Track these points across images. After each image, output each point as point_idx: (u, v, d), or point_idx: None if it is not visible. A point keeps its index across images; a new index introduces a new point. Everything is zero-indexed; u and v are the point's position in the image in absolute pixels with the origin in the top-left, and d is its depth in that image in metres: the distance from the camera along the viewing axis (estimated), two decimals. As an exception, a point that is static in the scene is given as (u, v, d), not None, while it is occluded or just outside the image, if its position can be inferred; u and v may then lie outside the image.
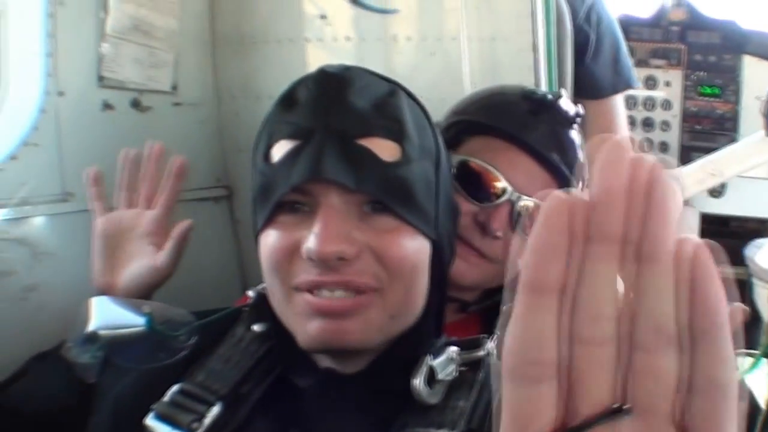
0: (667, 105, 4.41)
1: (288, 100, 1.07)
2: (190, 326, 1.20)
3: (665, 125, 4.41)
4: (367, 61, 1.96)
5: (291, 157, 1.01)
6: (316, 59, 2.05)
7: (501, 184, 1.46)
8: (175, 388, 1.11)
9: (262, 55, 2.09)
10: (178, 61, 1.97)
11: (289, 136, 1.03)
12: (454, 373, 1.07)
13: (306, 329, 1.02)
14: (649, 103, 4.40)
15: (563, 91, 1.54)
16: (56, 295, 1.63)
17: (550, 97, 1.53)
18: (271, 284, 1.06)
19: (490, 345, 1.11)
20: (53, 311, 1.61)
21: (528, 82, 1.77)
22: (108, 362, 1.20)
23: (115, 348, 1.19)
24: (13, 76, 1.59)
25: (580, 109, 1.55)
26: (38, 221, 1.61)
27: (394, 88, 1.09)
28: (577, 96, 2.01)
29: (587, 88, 2.26)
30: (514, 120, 1.49)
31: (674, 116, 4.41)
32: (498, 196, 1.46)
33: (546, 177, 1.49)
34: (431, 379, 1.05)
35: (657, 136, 4.41)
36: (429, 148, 1.10)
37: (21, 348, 1.45)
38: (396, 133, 1.04)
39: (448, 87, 1.84)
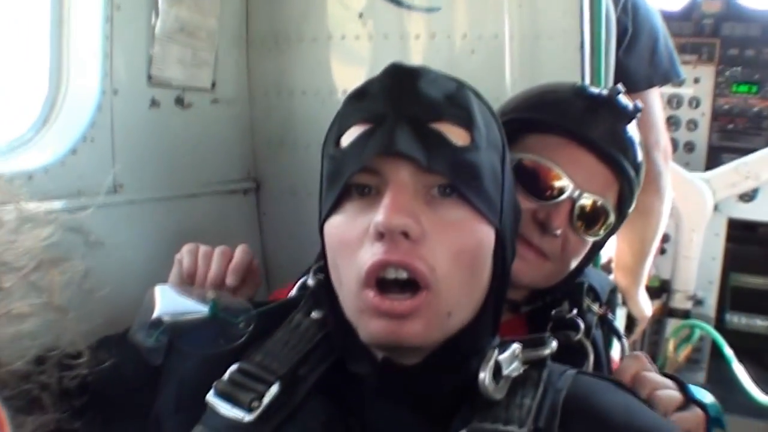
0: (695, 103, 4.60)
1: (359, 94, 1.19)
2: (249, 314, 1.38)
3: (692, 124, 4.59)
4: (404, 59, 2.19)
5: (363, 138, 1.11)
6: (352, 56, 2.29)
7: (562, 181, 1.54)
8: (234, 367, 1.23)
9: (297, 52, 2.34)
10: (217, 60, 2.22)
11: (361, 121, 1.13)
12: (519, 370, 1.17)
13: (368, 327, 1.11)
14: (675, 101, 4.60)
15: (621, 87, 1.63)
16: (104, 281, 1.85)
17: (607, 93, 1.61)
18: (341, 273, 1.15)
19: (554, 344, 1.23)
20: (101, 296, 1.85)
21: (573, 80, 1.94)
22: (172, 347, 1.37)
23: (179, 333, 1.37)
24: (74, 76, 1.84)
25: (639, 103, 1.62)
26: (91, 211, 1.80)
27: (461, 84, 1.20)
28: (611, 90, 2.19)
29: (620, 82, 2.34)
30: (573, 116, 1.57)
31: (703, 114, 4.58)
32: (559, 194, 1.54)
33: (607, 173, 1.58)
34: (496, 374, 1.14)
35: (683, 135, 4.60)
36: (495, 141, 1.19)
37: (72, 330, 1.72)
38: (465, 120, 1.13)
39: (488, 85, 2.02)
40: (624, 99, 1.60)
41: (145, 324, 1.41)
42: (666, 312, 3.98)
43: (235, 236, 2.28)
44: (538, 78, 1.98)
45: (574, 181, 1.55)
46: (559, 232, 1.55)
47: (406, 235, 1.06)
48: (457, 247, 1.10)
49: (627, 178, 1.59)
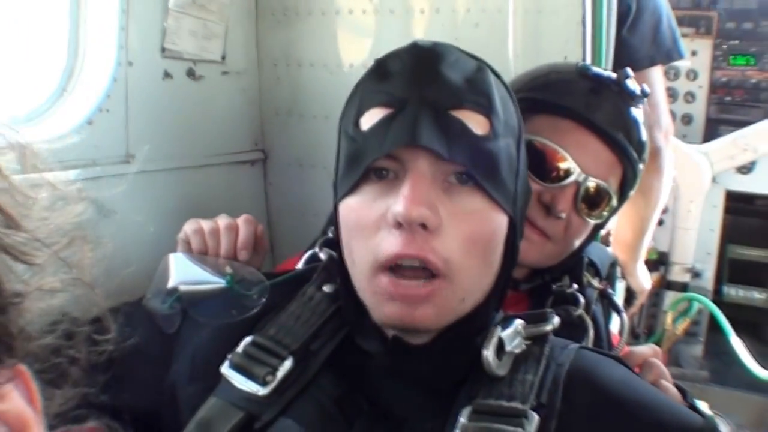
0: (692, 75, 4.57)
1: (380, 71, 1.18)
2: (262, 285, 1.40)
3: (690, 96, 4.58)
4: (409, 33, 2.24)
5: (384, 124, 1.12)
6: (359, 30, 2.32)
7: (567, 164, 1.56)
8: (248, 339, 1.25)
9: (306, 25, 2.38)
10: (227, 32, 2.26)
11: (382, 104, 1.14)
12: (522, 346, 1.19)
13: (382, 310, 1.13)
14: (672, 73, 4.58)
15: (629, 71, 1.64)
16: (115, 249, 1.91)
17: (613, 75, 1.62)
18: (355, 255, 1.17)
19: (556, 320, 1.25)
20: (110, 266, 1.89)
21: (574, 56, 2.00)
22: (186, 316, 1.40)
23: (193, 303, 1.40)
24: (91, 48, 1.88)
25: (646, 88, 1.63)
26: (105, 181, 1.85)
27: (481, 64, 1.20)
28: (614, 68, 2.14)
29: (623, 60, 2.30)
30: (579, 99, 1.59)
31: (700, 87, 4.56)
32: (565, 177, 1.56)
33: (612, 158, 1.60)
34: (499, 350, 1.17)
35: (680, 107, 4.57)
36: (512, 125, 1.20)
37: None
38: (485, 107, 1.13)
39: (491, 58, 2.08)
40: (632, 83, 1.61)
41: (160, 292, 1.44)
42: (664, 284, 4.00)
43: (242, 206, 2.31)
44: (541, 52, 2.03)
45: (580, 165, 1.57)
46: (563, 215, 1.57)
47: (423, 225, 1.07)
48: (472, 237, 1.12)
49: (631, 162, 1.61)
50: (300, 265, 1.57)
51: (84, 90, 1.88)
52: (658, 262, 3.99)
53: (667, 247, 4.03)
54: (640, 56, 2.55)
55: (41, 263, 0.67)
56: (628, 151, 1.60)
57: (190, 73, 2.16)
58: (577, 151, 1.57)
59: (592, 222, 1.64)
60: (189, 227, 1.65)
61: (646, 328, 4.01)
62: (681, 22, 4.44)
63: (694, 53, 4.54)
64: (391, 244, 1.09)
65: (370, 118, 1.15)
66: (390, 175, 1.13)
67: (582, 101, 1.59)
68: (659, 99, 2.66)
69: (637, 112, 1.63)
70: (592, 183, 1.58)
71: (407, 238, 1.08)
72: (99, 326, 0.96)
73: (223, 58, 2.28)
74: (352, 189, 1.16)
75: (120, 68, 1.92)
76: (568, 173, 1.57)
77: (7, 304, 0.62)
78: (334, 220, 1.25)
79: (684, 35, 4.45)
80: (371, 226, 1.12)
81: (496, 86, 1.19)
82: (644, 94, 1.63)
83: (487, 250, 1.15)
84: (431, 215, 1.07)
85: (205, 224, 1.64)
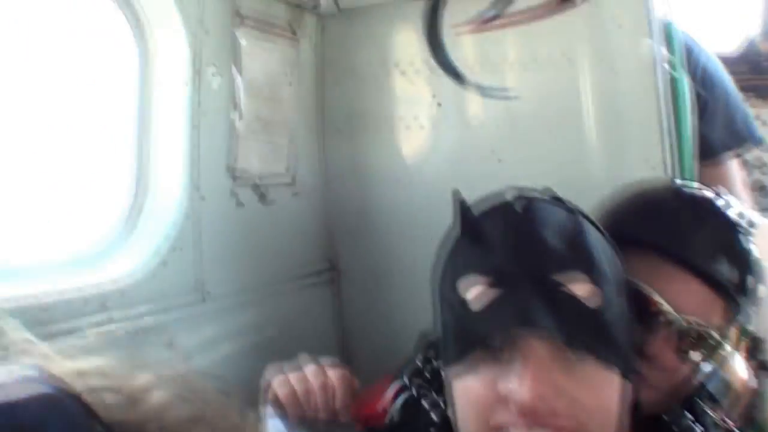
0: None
1: (475, 235, 1.16)
2: None
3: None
4: (480, 145, 2.18)
5: (495, 304, 1.09)
6: (428, 142, 2.27)
7: (661, 308, 1.40)
8: None
9: (373, 138, 2.31)
10: (295, 150, 2.21)
11: (484, 273, 1.12)
12: None
13: None
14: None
15: (732, 199, 1.52)
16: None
17: (708, 197, 1.50)
18: (471, 428, 1.14)
19: None
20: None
21: (654, 160, 1.94)
22: None
23: None
24: (162, 186, 1.82)
25: (753, 217, 1.49)
26: (180, 323, 1.79)
27: (576, 217, 1.18)
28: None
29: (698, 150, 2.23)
30: (676, 234, 1.45)
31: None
32: (659, 319, 1.40)
33: (710, 294, 1.42)
34: None
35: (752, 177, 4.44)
36: (618, 278, 1.18)
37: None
38: (591, 271, 1.11)
39: (572, 171, 2.02)
40: (732, 210, 1.49)
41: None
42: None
43: (316, 326, 2.28)
44: (621, 160, 2.00)
45: (675, 307, 1.40)
46: (659, 361, 1.41)
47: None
48: (597, 406, 1.09)
49: (730, 296, 1.44)
50: (389, 396, 1.45)
51: (156, 228, 1.82)
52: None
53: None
54: (715, 145, 2.39)
55: None
56: (726, 287, 1.42)
57: (262, 198, 2.10)
58: (672, 292, 1.41)
59: (696, 360, 1.44)
60: (278, 385, 1.53)
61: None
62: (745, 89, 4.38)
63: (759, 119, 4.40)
64: (510, 414, 1.07)
65: (473, 290, 1.12)
66: (503, 352, 1.09)
67: (680, 236, 1.45)
68: (737, 187, 2.44)
69: (744, 239, 1.46)
70: (686, 323, 1.41)
71: (533, 419, 1.05)
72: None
73: (293, 178, 2.22)
74: (464, 365, 1.13)
75: (192, 203, 1.86)
76: (662, 315, 1.41)
77: None
78: (423, 351, 1.28)
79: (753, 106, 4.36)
80: (489, 408, 1.10)
81: (595, 239, 1.18)
82: (751, 225, 1.47)
83: (610, 416, 1.12)
84: (553, 399, 1.05)
85: (296, 382, 1.53)
